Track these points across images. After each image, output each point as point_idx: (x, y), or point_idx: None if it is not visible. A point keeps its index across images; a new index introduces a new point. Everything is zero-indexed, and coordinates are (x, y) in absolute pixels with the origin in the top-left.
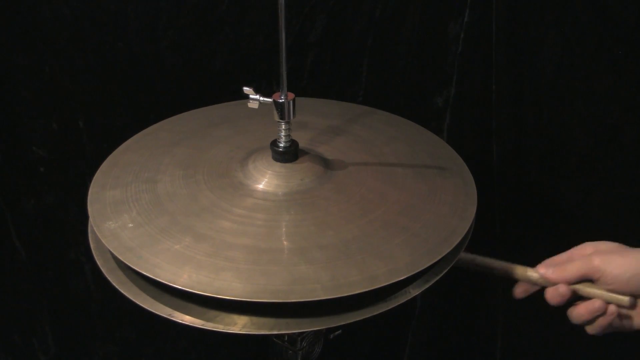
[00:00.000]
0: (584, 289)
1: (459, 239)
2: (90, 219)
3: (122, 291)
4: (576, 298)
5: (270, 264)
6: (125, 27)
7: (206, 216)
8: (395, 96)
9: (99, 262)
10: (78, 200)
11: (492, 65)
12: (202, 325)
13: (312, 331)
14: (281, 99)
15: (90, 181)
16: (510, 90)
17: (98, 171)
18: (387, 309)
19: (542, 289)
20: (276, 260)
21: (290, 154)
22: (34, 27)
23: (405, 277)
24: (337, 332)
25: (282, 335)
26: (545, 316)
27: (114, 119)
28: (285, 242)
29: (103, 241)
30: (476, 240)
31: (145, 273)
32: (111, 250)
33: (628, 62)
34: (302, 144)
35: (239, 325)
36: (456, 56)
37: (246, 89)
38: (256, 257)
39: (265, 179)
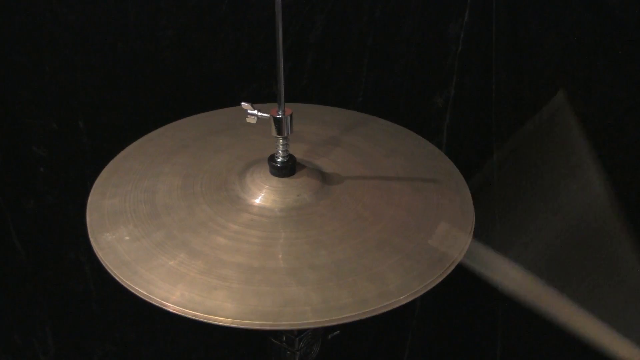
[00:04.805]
0: None
1: (451, 261)
2: (88, 230)
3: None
4: None
5: (263, 284)
6: (125, 27)
7: (202, 231)
8: (395, 96)
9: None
10: (78, 201)
11: (492, 65)
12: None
13: (309, 331)
14: (279, 114)
15: (90, 181)
16: (510, 90)
17: (99, 178)
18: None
19: None
20: (268, 281)
21: (287, 169)
22: (34, 27)
23: (394, 300)
24: (335, 333)
25: (280, 336)
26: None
27: (114, 119)
28: (282, 263)
29: (99, 254)
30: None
31: (139, 289)
32: (107, 263)
33: (628, 62)
34: (300, 156)
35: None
36: (456, 56)
37: (244, 104)
38: (249, 276)
39: (262, 194)
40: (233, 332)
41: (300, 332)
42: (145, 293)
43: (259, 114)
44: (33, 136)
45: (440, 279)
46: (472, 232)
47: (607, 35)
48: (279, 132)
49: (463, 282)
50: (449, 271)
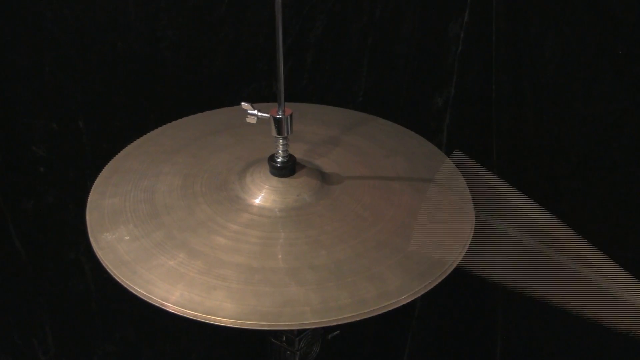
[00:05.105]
0: None
1: (451, 262)
2: (88, 230)
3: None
4: None
5: (262, 284)
6: (125, 27)
7: (201, 231)
8: (395, 96)
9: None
10: (78, 200)
11: (492, 65)
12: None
13: (309, 331)
14: (279, 114)
15: (90, 181)
16: (510, 90)
17: (99, 177)
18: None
19: None
20: (268, 281)
21: (287, 169)
22: (34, 27)
23: (394, 301)
24: (335, 333)
25: (280, 336)
26: (545, 316)
27: (114, 119)
28: (282, 263)
29: (99, 253)
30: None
31: (139, 289)
32: (107, 263)
33: (628, 62)
34: (300, 155)
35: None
36: (456, 56)
37: (244, 104)
38: (248, 276)
39: (262, 194)
40: (233, 332)
41: (300, 332)
42: (144, 293)
43: (259, 114)
44: (33, 136)
45: (440, 279)
46: (472, 232)
47: (607, 35)
48: (279, 132)
49: (463, 282)
50: (448, 271)
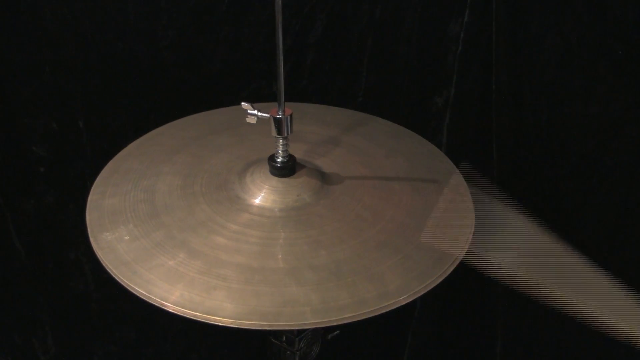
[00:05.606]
0: None
1: (451, 262)
2: (88, 230)
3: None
4: None
5: (262, 284)
6: (125, 27)
7: (201, 231)
8: (395, 96)
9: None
10: (78, 201)
11: (492, 65)
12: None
13: (309, 331)
14: (279, 114)
15: (90, 181)
16: (510, 90)
17: (98, 177)
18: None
19: None
20: (268, 281)
21: (287, 169)
22: (34, 27)
23: (394, 301)
24: (335, 333)
25: (280, 336)
26: (545, 316)
27: (114, 119)
28: (282, 263)
29: (99, 253)
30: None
31: (138, 289)
32: (107, 263)
33: (628, 62)
34: (300, 155)
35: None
36: (456, 56)
37: (244, 104)
38: (248, 276)
39: (262, 194)
40: (233, 332)
41: (300, 332)
42: (144, 293)
43: (259, 114)
44: (33, 136)
45: (440, 279)
46: (472, 233)
47: (607, 35)
48: (279, 132)
49: (463, 281)
50: (449, 271)
